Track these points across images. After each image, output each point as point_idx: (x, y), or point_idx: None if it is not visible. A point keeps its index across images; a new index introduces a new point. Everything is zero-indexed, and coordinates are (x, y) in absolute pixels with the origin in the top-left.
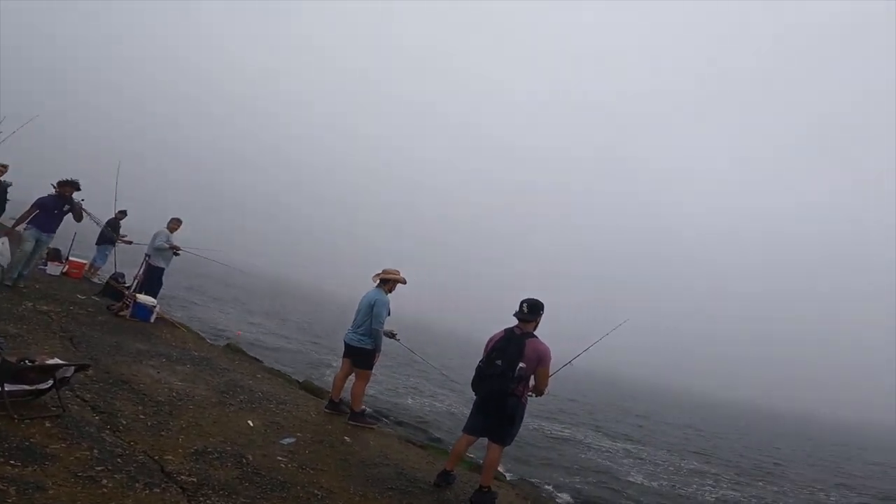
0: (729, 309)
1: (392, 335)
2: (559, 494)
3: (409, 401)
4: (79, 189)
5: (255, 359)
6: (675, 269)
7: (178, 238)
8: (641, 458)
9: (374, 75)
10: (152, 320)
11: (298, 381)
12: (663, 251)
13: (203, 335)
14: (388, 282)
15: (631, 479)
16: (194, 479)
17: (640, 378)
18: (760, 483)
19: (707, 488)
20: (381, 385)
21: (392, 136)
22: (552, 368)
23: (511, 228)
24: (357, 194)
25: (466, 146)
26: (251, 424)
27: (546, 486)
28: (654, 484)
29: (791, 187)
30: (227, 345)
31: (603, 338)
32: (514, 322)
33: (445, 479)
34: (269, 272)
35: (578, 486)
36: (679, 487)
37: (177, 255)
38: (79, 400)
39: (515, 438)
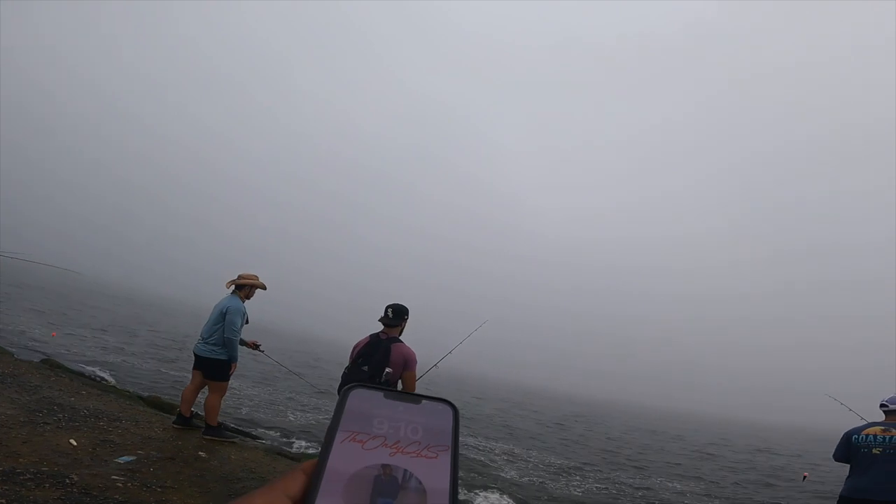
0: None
1: (255, 346)
2: None
3: (280, 410)
4: None
5: (81, 374)
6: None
7: None
8: (514, 456)
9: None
10: None
11: (141, 397)
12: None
13: (9, 349)
14: (244, 287)
15: (504, 476)
16: (3, 501)
17: (508, 378)
18: (619, 473)
19: (575, 483)
20: (256, 399)
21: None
22: (419, 372)
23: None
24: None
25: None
26: (74, 443)
27: None
28: (526, 480)
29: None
30: (44, 360)
31: (466, 339)
32: (380, 328)
33: None
34: (105, 278)
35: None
36: (549, 483)
37: None
38: None
39: None
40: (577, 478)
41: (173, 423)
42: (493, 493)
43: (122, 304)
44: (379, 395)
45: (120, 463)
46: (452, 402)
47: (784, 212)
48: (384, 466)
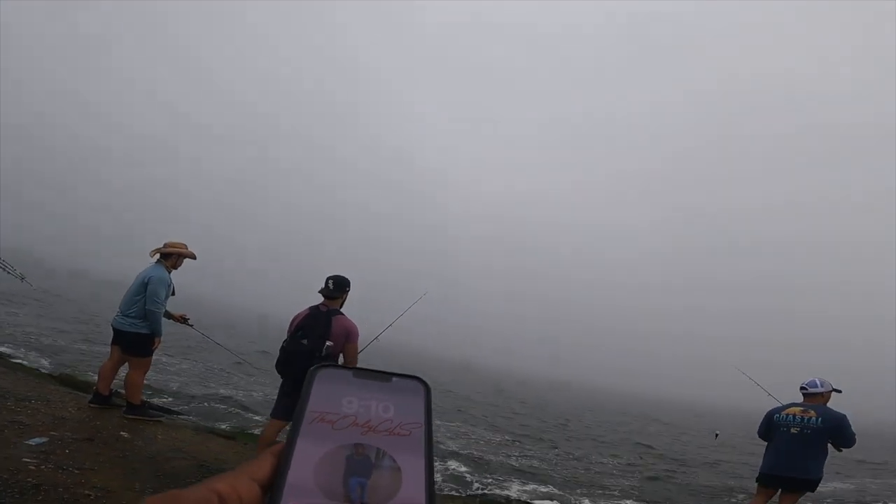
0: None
1: (183, 319)
2: None
3: (210, 387)
4: None
5: None
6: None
7: None
8: (457, 433)
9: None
10: None
11: (52, 374)
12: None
13: None
14: (170, 256)
15: (447, 449)
16: None
17: (442, 352)
18: (556, 450)
19: (513, 457)
20: (177, 372)
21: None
22: (360, 345)
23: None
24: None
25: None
26: None
27: None
28: (466, 453)
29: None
30: None
31: (406, 311)
32: (320, 300)
33: None
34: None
35: None
36: (488, 455)
37: None
38: None
39: None
40: (516, 451)
41: (90, 402)
42: (450, 461)
43: (28, 273)
44: (348, 374)
45: (31, 445)
46: (424, 378)
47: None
48: (356, 446)
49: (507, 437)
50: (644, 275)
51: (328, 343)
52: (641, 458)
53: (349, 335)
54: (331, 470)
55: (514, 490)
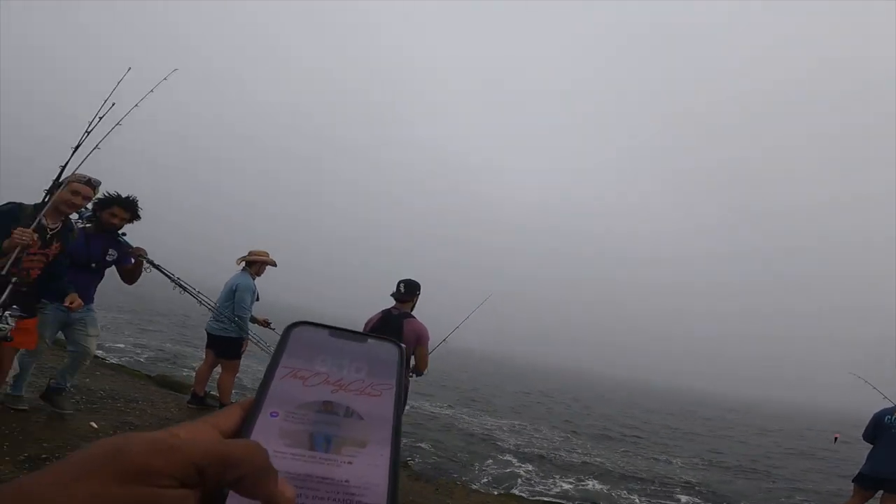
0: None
1: (266, 323)
2: (445, 472)
3: None
4: (137, 215)
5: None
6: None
7: None
8: (521, 432)
9: None
10: None
11: (151, 377)
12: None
13: None
14: (254, 264)
15: (508, 448)
16: None
17: (512, 354)
18: (623, 449)
19: (575, 455)
20: (260, 375)
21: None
22: (430, 347)
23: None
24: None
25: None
26: (95, 426)
27: (433, 463)
28: (528, 451)
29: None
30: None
31: (472, 313)
32: (392, 303)
33: None
34: None
35: (468, 462)
36: (553, 453)
37: None
38: None
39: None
40: (578, 448)
41: (188, 402)
42: (506, 455)
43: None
44: (324, 332)
45: None
46: (398, 342)
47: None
48: (325, 403)
49: (573, 435)
50: (722, 275)
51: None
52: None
53: (420, 338)
54: (297, 425)
55: (566, 486)
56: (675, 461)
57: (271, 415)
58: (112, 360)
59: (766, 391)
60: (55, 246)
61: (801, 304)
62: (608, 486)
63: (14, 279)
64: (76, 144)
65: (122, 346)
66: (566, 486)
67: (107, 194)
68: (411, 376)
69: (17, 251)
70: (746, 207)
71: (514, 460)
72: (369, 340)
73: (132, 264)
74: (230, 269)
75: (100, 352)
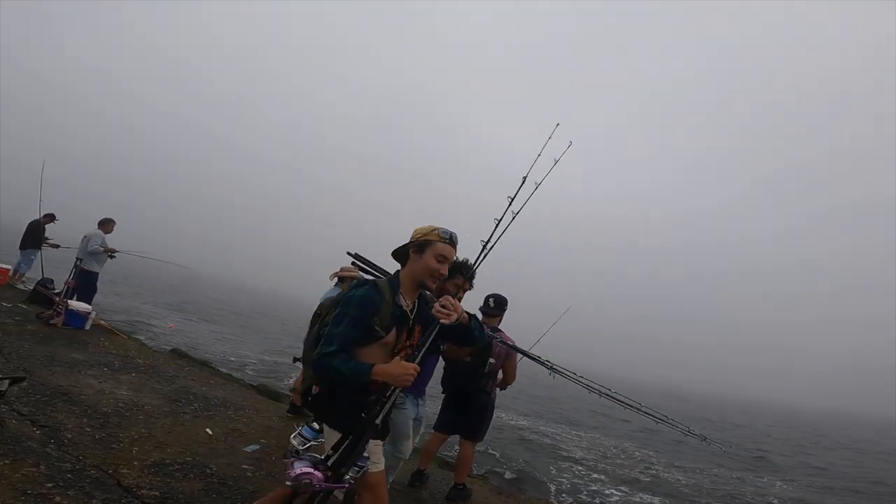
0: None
1: None
2: (524, 487)
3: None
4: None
5: (205, 363)
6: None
7: (110, 239)
8: (594, 446)
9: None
10: (87, 327)
11: (254, 386)
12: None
13: (145, 341)
14: (345, 280)
15: (578, 458)
16: (157, 493)
17: (588, 367)
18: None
19: (653, 470)
20: None
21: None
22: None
23: None
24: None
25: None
26: (210, 433)
27: (512, 477)
28: (601, 465)
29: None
30: (174, 350)
31: (552, 326)
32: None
33: (419, 478)
34: (220, 274)
35: (541, 472)
36: (622, 469)
37: (112, 257)
38: (16, 414)
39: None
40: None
41: (287, 411)
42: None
43: (228, 295)
44: None
45: (248, 452)
46: None
47: None
48: None
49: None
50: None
51: (491, 360)
52: None
53: (509, 353)
54: None
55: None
56: None
57: None
58: (223, 370)
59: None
60: (416, 331)
61: None
62: None
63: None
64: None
65: (233, 358)
66: None
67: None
68: (498, 389)
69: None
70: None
71: (591, 474)
72: None
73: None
74: (323, 284)
75: (209, 361)
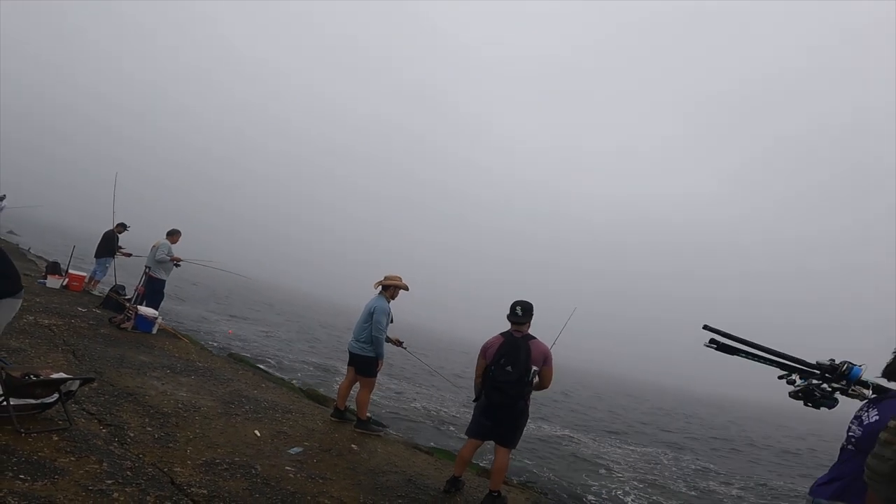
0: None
1: (398, 343)
2: (561, 494)
3: (416, 405)
4: None
5: (259, 368)
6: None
7: (176, 249)
8: (629, 450)
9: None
10: (154, 332)
11: (302, 390)
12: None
13: (206, 346)
14: (389, 288)
15: (615, 469)
16: (205, 492)
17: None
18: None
19: (701, 483)
20: (389, 391)
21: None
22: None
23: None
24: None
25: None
26: (258, 434)
27: (548, 485)
28: (638, 474)
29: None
30: (230, 354)
31: (563, 328)
32: (507, 325)
33: (454, 485)
34: (276, 282)
35: (575, 482)
36: (662, 479)
37: (177, 266)
38: (85, 413)
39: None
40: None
41: (331, 415)
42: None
43: (283, 305)
44: None
45: (291, 454)
46: None
47: None
48: None
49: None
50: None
51: (534, 368)
52: None
53: (546, 359)
54: None
55: None
56: None
57: None
58: (276, 374)
59: None
60: None
61: None
62: None
63: None
64: None
65: (286, 361)
66: None
67: None
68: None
69: None
70: None
71: (625, 486)
72: None
73: None
74: (368, 293)
75: (261, 365)
